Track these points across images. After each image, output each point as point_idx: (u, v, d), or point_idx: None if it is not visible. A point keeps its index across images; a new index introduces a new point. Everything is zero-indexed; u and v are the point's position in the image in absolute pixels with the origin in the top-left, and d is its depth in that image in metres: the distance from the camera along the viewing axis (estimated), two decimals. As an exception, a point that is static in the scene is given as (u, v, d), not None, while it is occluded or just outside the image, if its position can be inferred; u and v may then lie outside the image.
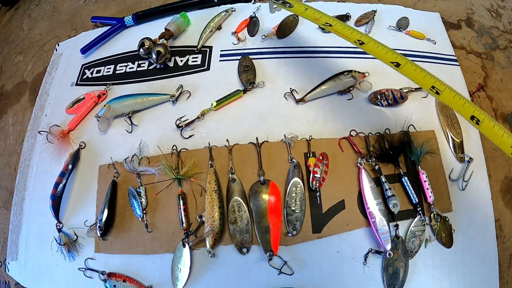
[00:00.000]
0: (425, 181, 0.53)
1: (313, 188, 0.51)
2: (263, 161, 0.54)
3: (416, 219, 0.52)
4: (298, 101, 0.58)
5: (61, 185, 0.59)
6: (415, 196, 0.52)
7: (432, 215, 0.52)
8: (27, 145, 0.69)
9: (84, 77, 0.72)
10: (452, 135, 0.57)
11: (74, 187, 0.61)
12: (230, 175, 0.53)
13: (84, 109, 0.66)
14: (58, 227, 0.58)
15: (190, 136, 0.58)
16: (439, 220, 0.52)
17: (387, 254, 0.49)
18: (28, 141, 0.70)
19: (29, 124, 0.72)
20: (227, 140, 0.56)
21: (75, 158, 0.62)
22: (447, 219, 0.52)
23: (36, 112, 0.73)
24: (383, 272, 0.50)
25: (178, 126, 0.58)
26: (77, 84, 0.72)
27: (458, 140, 0.57)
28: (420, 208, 0.52)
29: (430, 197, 0.53)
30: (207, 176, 0.54)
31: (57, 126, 0.65)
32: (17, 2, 0.99)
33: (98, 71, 0.72)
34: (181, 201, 0.52)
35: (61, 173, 0.60)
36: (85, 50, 0.74)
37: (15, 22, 0.94)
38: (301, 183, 0.52)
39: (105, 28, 0.77)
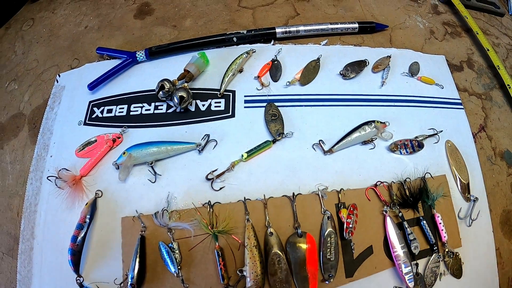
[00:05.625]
0: (440, 223, 0.59)
1: (347, 238, 0.55)
2: (297, 213, 0.56)
3: (433, 257, 0.58)
4: (326, 152, 0.61)
5: (79, 238, 0.55)
6: (432, 237, 0.58)
7: (445, 252, 0.58)
8: (31, 188, 0.64)
9: (93, 116, 0.67)
10: (460, 178, 0.64)
11: (93, 239, 0.57)
12: (268, 228, 0.55)
13: (98, 154, 0.62)
14: (78, 281, 0.55)
15: (221, 188, 0.58)
16: (451, 256, 0.59)
17: (411, 292, 0.55)
18: (32, 184, 0.64)
19: (32, 164, 0.66)
20: (264, 196, 0.57)
21: (93, 208, 0.58)
22: (458, 254, 0.59)
23: (39, 151, 0.67)
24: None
25: (208, 179, 0.58)
26: (85, 123, 0.66)
27: (465, 182, 0.64)
28: (436, 248, 0.58)
29: (444, 237, 0.59)
30: (245, 231, 0.55)
31: (67, 170, 0.61)
32: (6, 20, 0.87)
33: (109, 111, 0.67)
34: (219, 257, 0.53)
35: (78, 226, 0.56)
36: (92, 86, 0.68)
37: (6, 44, 0.83)
38: (335, 233, 0.55)
39: (112, 61, 0.71)
